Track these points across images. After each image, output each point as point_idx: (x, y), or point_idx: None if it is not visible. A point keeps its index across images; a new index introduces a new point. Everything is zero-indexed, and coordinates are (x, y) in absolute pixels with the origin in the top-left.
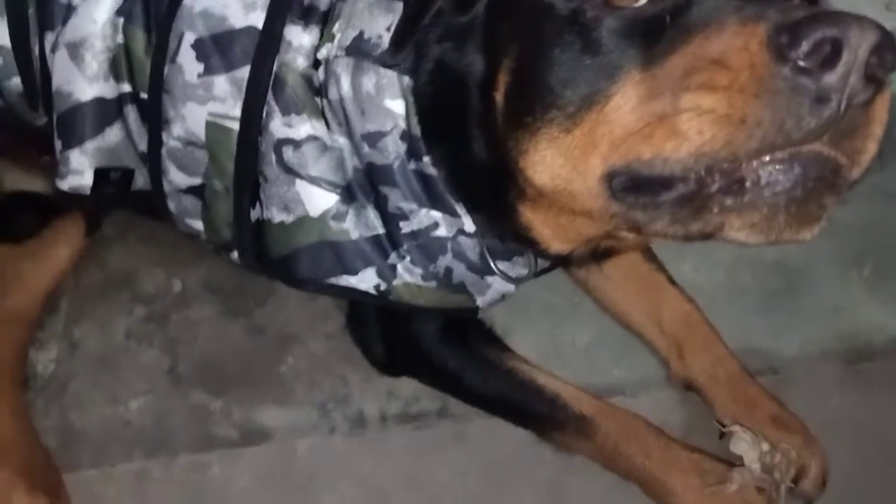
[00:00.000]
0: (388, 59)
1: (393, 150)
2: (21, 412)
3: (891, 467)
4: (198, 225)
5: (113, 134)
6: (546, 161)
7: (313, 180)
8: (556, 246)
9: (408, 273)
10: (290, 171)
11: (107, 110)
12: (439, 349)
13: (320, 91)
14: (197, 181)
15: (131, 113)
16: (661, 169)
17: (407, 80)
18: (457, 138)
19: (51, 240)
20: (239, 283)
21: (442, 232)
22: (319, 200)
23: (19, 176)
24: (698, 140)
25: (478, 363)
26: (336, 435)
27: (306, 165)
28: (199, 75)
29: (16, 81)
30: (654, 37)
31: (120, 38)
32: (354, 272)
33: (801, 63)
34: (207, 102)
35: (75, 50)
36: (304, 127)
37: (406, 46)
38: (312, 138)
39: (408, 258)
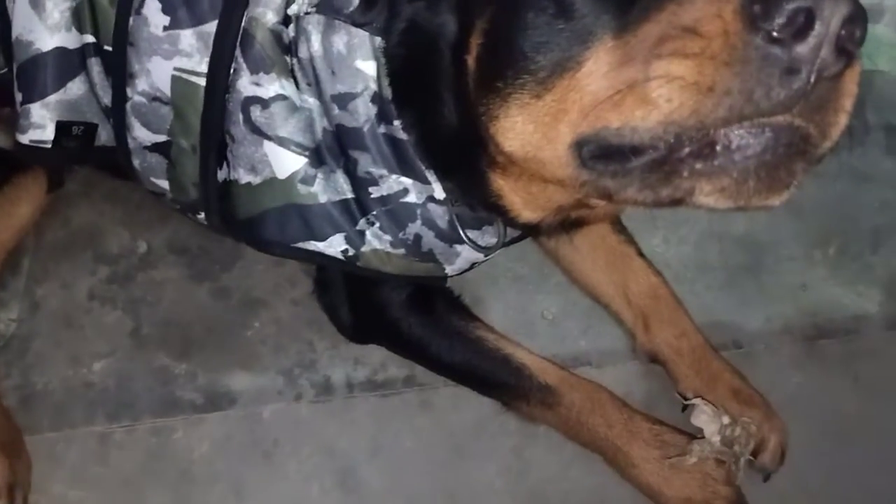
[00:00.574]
0: (359, 17)
1: (363, 112)
2: None
3: (847, 443)
4: (163, 184)
5: (75, 87)
6: (517, 128)
7: (282, 141)
8: (527, 214)
9: (376, 239)
10: (258, 132)
11: (69, 62)
12: (406, 317)
13: (290, 49)
14: (162, 138)
15: (95, 66)
16: (629, 138)
17: (379, 40)
18: (428, 102)
19: (11, 196)
20: (205, 245)
21: (412, 198)
22: (287, 162)
23: None
24: (667, 108)
25: (445, 332)
26: (302, 401)
27: (274, 126)
28: (166, 28)
29: None
30: (628, 3)
31: None
32: (322, 237)
33: (774, 33)
34: (173, 57)
35: None
36: (272, 86)
37: (378, 4)
38: (281, 97)
39: (377, 224)
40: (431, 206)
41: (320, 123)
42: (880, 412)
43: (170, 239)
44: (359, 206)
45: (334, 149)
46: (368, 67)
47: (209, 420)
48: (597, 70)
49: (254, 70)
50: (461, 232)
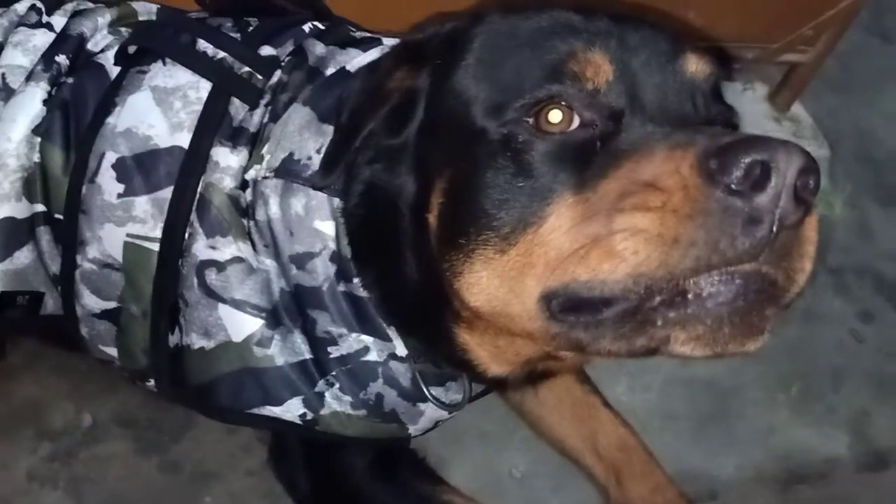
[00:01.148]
0: (319, 181)
1: (322, 271)
2: None
3: None
4: (112, 351)
5: (23, 256)
6: (482, 283)
7: (237, 304)
8: (495, 368)
9: (336, 401)
10: (213, 295)
11: (17, 231)
12: (369, 485)
13: (247, 212)
14: (112, 305)
15: (44, 234)
16: (600, 290)
17: (337, 201)
18: (388, 260)
19: None
20: (153, 416)
21: (373, 356)
22: (243, 325)
23: None
24: (634, 260)
25: (411, 499)
26: None
27: (230, 289)
28: (120, 195)
29: None
30: (585, 161)
31: (36, 157)
32: (279, 402)
33: (733, 186)
34: (127, 223)
35: None
36: (229, 249)
37: (337, 168)
38: (238, 260)
39: (336, 385)
40: (393, 363)
41: (278, 284)
42: None
43: (117, 411)
44: (317, 367)
45: (292, 309)
46: (327, 227)
47: None
48: (560, 225)
49: (210, 234)
50: (425, 389)
